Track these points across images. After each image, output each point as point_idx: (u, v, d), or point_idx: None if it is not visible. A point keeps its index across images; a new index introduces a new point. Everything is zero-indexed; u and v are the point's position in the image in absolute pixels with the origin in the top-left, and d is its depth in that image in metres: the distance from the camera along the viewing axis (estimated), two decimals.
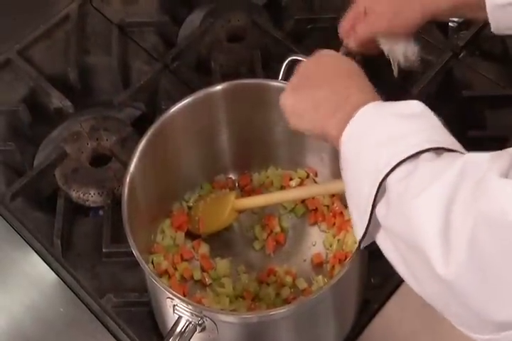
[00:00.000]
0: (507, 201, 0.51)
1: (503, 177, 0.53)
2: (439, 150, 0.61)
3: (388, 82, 1.14)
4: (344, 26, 0.90)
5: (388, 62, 0.92)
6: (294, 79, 0.77)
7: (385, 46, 0.89)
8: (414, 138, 0.61)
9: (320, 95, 0.72)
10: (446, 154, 0.61)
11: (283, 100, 0.76)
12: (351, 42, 0.90)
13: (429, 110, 0.65)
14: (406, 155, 0.60)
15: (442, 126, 0.64)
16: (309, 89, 0.74)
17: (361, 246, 0.68)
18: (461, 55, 1.13)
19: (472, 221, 0.53)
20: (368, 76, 1.07)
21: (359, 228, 0.66)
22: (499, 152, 0.57)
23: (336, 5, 1.19)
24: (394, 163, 0.60)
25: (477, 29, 1.12)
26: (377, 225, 0.64)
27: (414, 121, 0.64)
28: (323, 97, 0.71)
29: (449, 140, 0.63)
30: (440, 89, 1.11)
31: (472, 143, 1.05)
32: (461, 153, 0.61)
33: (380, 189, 0.61)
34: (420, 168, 0.59)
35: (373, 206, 0.62)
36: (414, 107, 0.65)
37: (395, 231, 0.61)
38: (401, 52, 0.89)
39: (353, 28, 0.89)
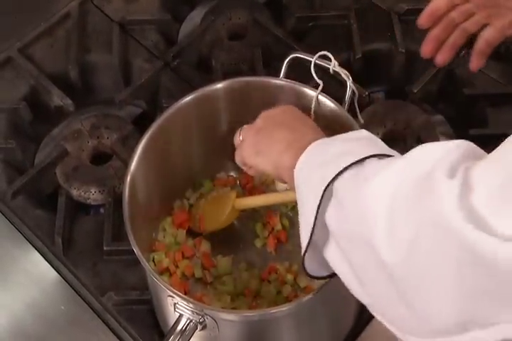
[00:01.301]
0: (451, 205, 0.49)
1: (451, 176, 0.51)
2: (383, 157, 0.62)
3: (389, 81, 1.14)
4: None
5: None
6: (257, 123, 0.81)
7: None
8: (359, 152, 0.63)
9: (278, 134, 0.76)
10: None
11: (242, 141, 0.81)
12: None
13: (375, 136, 0.68)
14: (352, 161, 0.61)
15: (387, 147, 0.66)
16: (268, 130, 0.78)
17: (305, 264, 0.67)
18: (462, 53, 1.12)
19: (417, 220, 0.52)
20: (369, 75, 1.08)
21: (304, 239, 0.65)
22: (452, 144, 0.56)
23: (336, 3, 1.19)
24: (340, 169, 0.61)
25: None
26: (326, 239, 0.64)
27: (359, 142, 0.67)
28: (281, 136, 0.75)
29: (394, 153, 0.64)
30: (441, 88, 1.11)
31: (474, 142, 1.06)
32: None
33: (327, 195, 0.62)
34: (367, 165, 0.61)
35: (319, 214, 0.62)
36: (360, 133, 0.69)
37: (344, 230, 0.61)
38: None
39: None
